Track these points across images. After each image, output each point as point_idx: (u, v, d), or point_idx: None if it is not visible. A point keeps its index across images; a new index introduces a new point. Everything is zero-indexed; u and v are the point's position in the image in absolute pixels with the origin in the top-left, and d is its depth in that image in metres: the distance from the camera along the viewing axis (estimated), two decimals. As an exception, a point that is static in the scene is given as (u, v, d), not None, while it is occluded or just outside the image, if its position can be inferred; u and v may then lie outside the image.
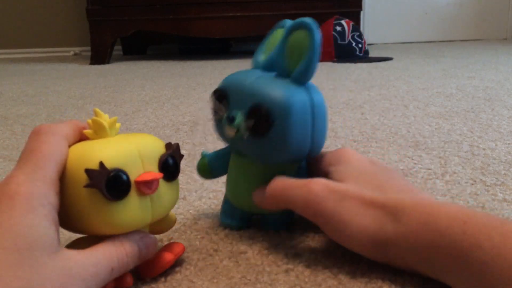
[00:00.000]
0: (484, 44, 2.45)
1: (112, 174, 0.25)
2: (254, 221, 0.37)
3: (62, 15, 2.77)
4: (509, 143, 0.58)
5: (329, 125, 0.71)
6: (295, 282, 0.28)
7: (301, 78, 0.31)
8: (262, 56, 0.35)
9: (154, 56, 2.41)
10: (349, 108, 0.84)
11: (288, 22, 0.33)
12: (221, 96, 0.33)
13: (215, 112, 0.34)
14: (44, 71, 1.77)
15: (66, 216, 0.25)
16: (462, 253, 0.23)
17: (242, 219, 0.36)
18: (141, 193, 0.26)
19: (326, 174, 0.32)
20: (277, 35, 0.34)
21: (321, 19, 1.95)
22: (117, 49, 2.61)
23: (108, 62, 2.03)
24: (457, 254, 0.24)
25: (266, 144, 0.31)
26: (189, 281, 0.29)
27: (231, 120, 0.31)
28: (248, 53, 2.28)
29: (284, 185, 0.30)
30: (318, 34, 0.30)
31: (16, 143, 0.67)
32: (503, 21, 2.85)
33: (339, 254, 0.32)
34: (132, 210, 0.26)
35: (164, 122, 0.78)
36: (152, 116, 0.84)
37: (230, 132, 0.32)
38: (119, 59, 2.29)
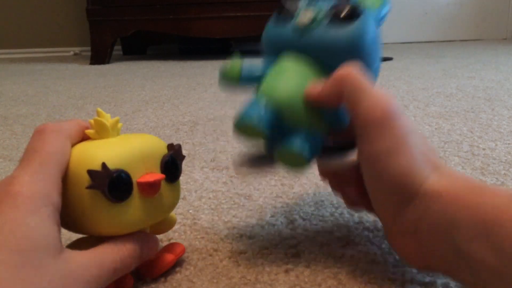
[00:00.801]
0: (484, 44, 2.46)
1: (114, 175, 0.25)
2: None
3: (62, 15, 2.77)
4: (509, 143, 0.58)
5: (329, 125, 0.71)
6: (295, 282, 0.28)
7: (375, 15, 0.31)
8: None
9: (154, 56, 2.41)
10: (349, 108, 0.84)
11: None
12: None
13: (285, 10, 0.31)
14: (44, 71, 1.77)
15: (68, 217, 0.25)
16: (506, 216, 0.22)
17: (270, 123, 0.28)
18: (144, 194, 0.26)
19: None
20: None
21: (321, 19, 1.95)
22: (117, 49, 2.61)
23: (108, 62, 2.03)
24: (498, 215, 0.22)
25: (347, 33, 0.29)
26: (189, 281, 0.29)
27: (312, 3, 0.30)
28: (248, 53, 2.27)
29: (361, 74, 0.27)
30: None
31: (16, 143, 0.67)
32: (503, 21, 2.85)
33: (339, 254, 0.32)
34: (134, 211, 0.26)
35: (164, 122, 0.78)
36: (152, 116, 0.84)
37: (307, 15, 0.30)
38: (119, 59, 2.29)
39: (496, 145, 0.57)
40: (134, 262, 0.26)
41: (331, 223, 0.37)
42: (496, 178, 0.45)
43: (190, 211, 0.40)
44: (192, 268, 0.30)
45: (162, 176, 0.27)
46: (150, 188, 0.26)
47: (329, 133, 0.31)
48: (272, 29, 0.32)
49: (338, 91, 0.27)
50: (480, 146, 0.57)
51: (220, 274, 0.30)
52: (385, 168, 0.25)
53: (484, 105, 0.83)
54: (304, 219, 0.37)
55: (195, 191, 0.45)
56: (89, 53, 2.13)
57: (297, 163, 0.29)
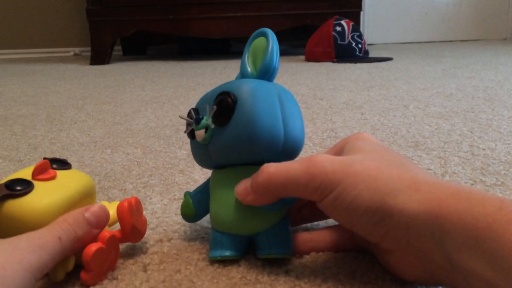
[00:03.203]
0: (484, 44, 2.45)
1: (8, 182, 0.28)
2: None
3: (62, 15, 2.77)
4: (509, 143, 0.58)
5: (329, 125, 0.71)
6: (295, 282, 0.28)
7: (264, 75, 0.32)
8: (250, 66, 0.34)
9: (154, 56, 2.41)
10: (349, 108, 0.84)
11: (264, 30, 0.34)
12: (190, 112, 0.32)
13: (187, 127, 0.32)
14: (44, 71, 1.77)
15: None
16: (497, 224, 0.21)
17: (235, 246, 0.31)
18: (42, 180, 0.29)
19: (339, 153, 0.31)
20: (258, 43, 0.34)
21: (321, 19, 1.95)
22: (117, 49, 2.61)
23: (108, 62, 2.03)
24: (489, 224, 0.21)
25: (234, 129, 0.29)
26: (189, 281, 0.29)
27: (198, 121, 0.31)
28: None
29: (279, 166, 0.28)
30: (274, 37, 0.32)
31: (16, 143, 0.67)
32: (503, 21, 2.85)
33: (339, 254, 0.32)
34: (39, 197, 0.28)
35: (164, 122, 0.78)
36: (152, 116, 0.84)
37: (200, 134, 0.31)
38: (119, 59, 2.29)
39: (496, 145, 0.57)
40: (79, 229, 0.28)
41: (332, 223, 0.36)
42: (496, 178, 0.45)
43: (190, 211, 0.40)
44: (192, 268, 0.30)
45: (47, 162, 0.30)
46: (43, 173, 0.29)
47: (289, 213, 0.33)
48: (192, 151, 0.34)
49: (267, 191, 0.28)
50: (480, 146, 0.57)
51: (220, 274, 0.30)
52: (349, 205, 0.26)
53: (484, 105, 0.83)
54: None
55: (195, 191, 0.45)
56: (89, 53, 2.13)
57: (284, 256, 0.30)
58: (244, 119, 0.29)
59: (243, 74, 0.33)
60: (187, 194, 0.34)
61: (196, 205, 0.34)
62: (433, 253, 0.24)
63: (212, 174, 0.33)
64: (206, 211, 0.34)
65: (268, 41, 0.32)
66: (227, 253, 0.30)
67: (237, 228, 0.30)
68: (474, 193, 0.23)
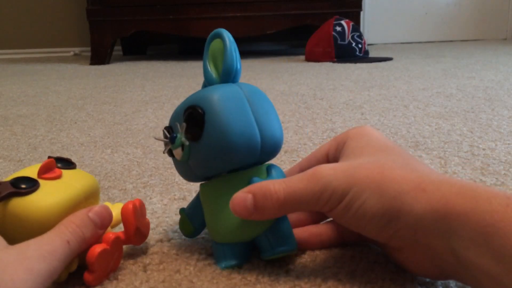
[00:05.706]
0: (484, 44, 2.45)
1: (13, 180, 0.28)
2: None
3: (62, 15, 2.77)
4: (509, 143, 0.58)
5: (329, 125, 0.71)
6: (295, 282, 0.28)
7: (227, 77, 0.31)
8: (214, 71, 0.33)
9: (154, 56, 2.41)
10: (349, 108, 0.84)
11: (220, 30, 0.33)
12: (166, 132, 0.32)
13: (165, 146, 0.32)
14: (44, 71, 1.77)
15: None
16: (505, 222, 0.21)
17: (237, 254, 0.31)
18: (47, 179, 0.29)
19: (338, 151, 0.31)
20: (215, 45, 0.33)
21: (321, 19, 1.95)
22: (117, 49, 2.61)
23: (108, 63, 2.03)
24: (496, 221, 0.21)
25: (209, 141, 0.29)
26: (189, 281, 0.29)
27: (173, 140, 0.31)
28: (248, 54, 2.28)
29: (286, 188, 0.28)
30: (229, 37, 0.31)
31: (16, 143, 0.67)
32: (503, 21, 2.85)
33: (339, 254, 0.32)
34: (47, 195, 0.28)
35: (164, 122, 0.78)
36: (152, 116, 0.84)
37: (178, 153, 0.31)
38: (119, 59, 2.29)
39: (496, 145, 0.57)
40: (87, 231, 0.28)
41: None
42: (496, 178, 0.45)
43: (190, 211, 0.40)
44: (192, 268, 0.30)
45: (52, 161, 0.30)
46: (49, 172, 0.29)
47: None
48: (175, 167, 0.33)
49: (280, 214, 0.29)
50: (480, 146, 0.57)
51: (220, 275, 0.30)
52: (357, 212, 0.26)
53: (484, 105, 0.83)
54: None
55: (195, 191, 0.45)
56: (89, 53, 2.13)
57: (289, 253, 0.30)
58: (216, 129, 0.29)
59: (207, 81, 0.32)
60: (182, 211, 0.34)
61: (192, 220, 0.33)
62: (441, 250, 0.24)
63: (200, 188, 0.32)
64: (203, 224, 0.33)
65: (224, 42, 0.31)
66: (233, 262, 0.30)
67: (236, 237, 0.30)
68: (480, 190, 0.23)
